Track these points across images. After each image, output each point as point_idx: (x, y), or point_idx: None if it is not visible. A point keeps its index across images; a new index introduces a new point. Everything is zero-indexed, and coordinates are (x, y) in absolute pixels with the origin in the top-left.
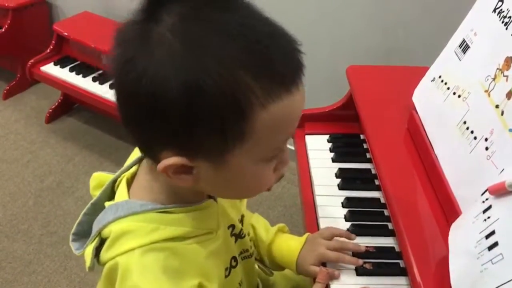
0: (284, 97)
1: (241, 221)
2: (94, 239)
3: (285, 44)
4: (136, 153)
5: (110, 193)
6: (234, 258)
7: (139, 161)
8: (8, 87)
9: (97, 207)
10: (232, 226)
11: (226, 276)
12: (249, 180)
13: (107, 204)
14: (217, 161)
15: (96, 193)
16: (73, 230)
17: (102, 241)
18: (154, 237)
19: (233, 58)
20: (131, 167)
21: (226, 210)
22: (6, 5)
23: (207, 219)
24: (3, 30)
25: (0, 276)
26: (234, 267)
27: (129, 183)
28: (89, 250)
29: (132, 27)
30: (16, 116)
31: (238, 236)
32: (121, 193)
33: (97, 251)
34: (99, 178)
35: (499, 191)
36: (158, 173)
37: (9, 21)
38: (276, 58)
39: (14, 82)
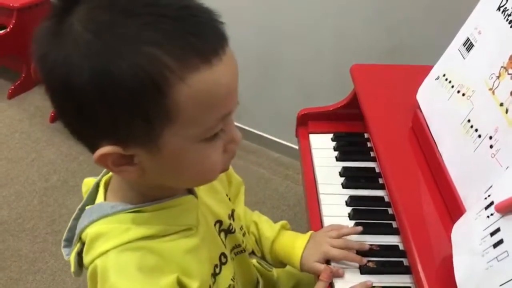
0: (203, 69)
1: (232, 216)
2: (76, 244)
3: (200, 15)
4: None
5: (94, 197)
6: (223, 254)
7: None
8: (13, 87)
9: (83, 212)
10: (219, 222)
11: (217, 274)
12: (194, 163)
13: (87, 208)
14: (152, 147)
15: None
16: (64, 236)
17: (83, 246)
18: (127, 237)
19: (141, 37)
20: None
21: (210, 205)
22: (11, 5)
23: (183, 215)
24: (8, 30)
25: (5, 275)
26: (224, 263)
27: (107, 186)
28: (72, 255)
29: (46, 23)
30: (21, 115)
31: (228, 231)
32: (99, 196)
33: (80, 255)
34: (89, 184)
35: (507, 208)
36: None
37: (13, 21)
38: (188, 30)
39: (18, 82)
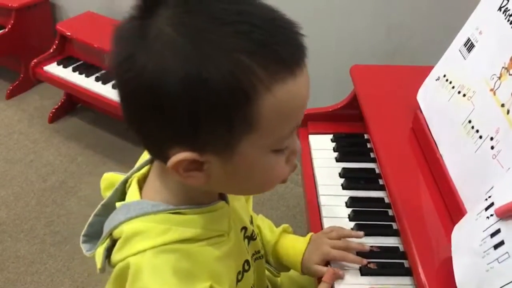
0: (288, 80)
1: (251, 222)
2: (105, 239)
3: (285, 27)
4: (146, 154)
5: (121, 194)
6: (247, 261)
7: (150, 162)
8: (11, 87)
9: (108, 208)
10: (245, 228)
11: (239, 281)
12: (261, 173)
13: (118, 204)
14: (227, 153)
15: (107, 194)
16: (83, 232)
17: (113, 242)
18: (166, 238)
19: (232, 44)
20: (142, 167)
21: (238, 212)
22: (10, 5)
23: (218, 221)
24: (6, 30)
25: (3, 276)
26: (247, 270)
27: (140, 184)
28: (100, 251)
29: (129, 24)
30: (20, 115)
31: (251, 238)
32: (132, 193)
33: (108, 252)
34: (110, 179)
35: (507, 213)
36: (169, 172)
37: (12, 21)
38: (276, 41)
39: (17, 82)
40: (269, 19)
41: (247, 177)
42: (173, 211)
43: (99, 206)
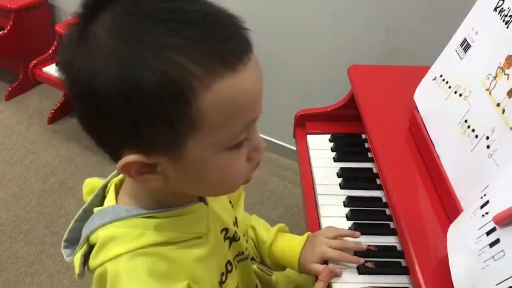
0: (227, 76)
1: (235, 223)
2: (83, 245)
3: (223, 21)
4: None
5: (101, 199)
6: (229, 262)
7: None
8: (10, 88)
9: (88, 213)
10: (225, 230)
11: (223, 282)
12: (218, 171)
13: (95, 210)
14: (175, 154)
15: (88, 199)
16: (64, 237)
17: (90, 248)
18: (140, 242)
19: (166, 44)
20: (120, 173)
21: (218, 213)
22: (8, 6)
23: (195, 223)
24: (5, 31)
25: (3, 277)
26: (230, 271)
27: (117, 188)
28: (77, 257)
29: (71, 30)
30: (19, 117)
31: (232, 239)
32: (109, 198)
33: (86, 257)
34: (92, 184)
35: (505, 219)
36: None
37: (11, 23)
38: (212, 36)
39: (16, 83)
40: (204, 14)
41: (204, 176)
42: (147, 215)
43: (80, 211)
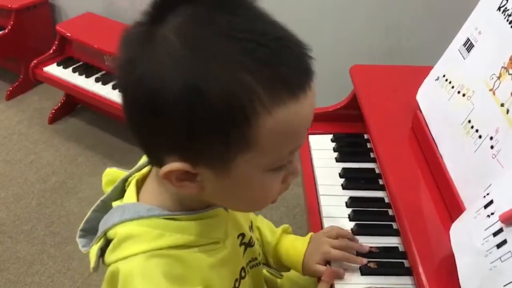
0: (290, 103)
1: (251, 228)
2: (100, 239)
3: (292, 48)
4: None
5: (120, 192)
6: (243, 268)
7: (151, 163)
8: (11, 88)
9: (107, 205)
10: (242, 235)
11: None
12: (254, 191)
13: (114, 204)
14: (220, 169)
15: (107, 189)
16: (81, 226)
17: (107, 242)
18: (159, 243)
19: (236, 61)
20: (142, 168)
21: (237, 218)
22: (9, 6)
23: (214, 228)
24: (6, 31)
25: (4, 277)
26: (243, 277)
27: (139, 184)
28: (94, 250)
29: (137, 29)
30: (19, 116)
31: (248, 245)
32: (130, 194)
33: (102, 251)
34: (112, 174)
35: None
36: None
37: (12, 22)
38: (281, 62)
39: (17, 83)
40: (276, 38)
41: (241, 194)
42: (168, 216)
43: (98, 201)
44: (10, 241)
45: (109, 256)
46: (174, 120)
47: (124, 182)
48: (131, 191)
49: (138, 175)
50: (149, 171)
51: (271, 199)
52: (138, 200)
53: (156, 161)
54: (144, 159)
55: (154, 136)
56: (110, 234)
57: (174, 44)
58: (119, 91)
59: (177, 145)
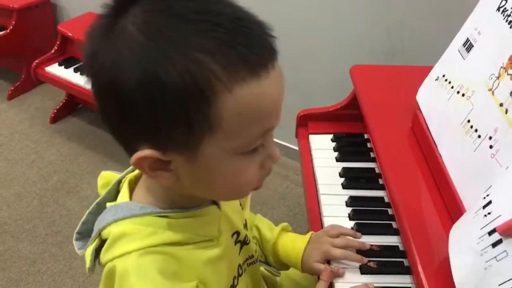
0: (251, 81)
1: (245, 226)
2: (94, 240)
3: (252, 27)
4: None
5: (115, 193)
6: (240, 266)
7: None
8: (13, 88)
9: (102, 207)
10: (237, 233)
11: (234, 286)
12: (228, 176)
13: (108, 204)
14: (190, 154)
15: (102, 192)
16: (77, 229)
17: (102, 242)
18: (152, 240)
19: (193, 43)
20: (135, 169)
21: (230, 216)
22: (11, 6)
23: (207, 225)
24: (7, 31)
25: (5, 276)
26: (241, 275)
27: (131, 185)
28: (89, 251)
29: (99, 22)
30: (21, 116)
31: (243, 243)
32: (123, 194)
33: (97, 252)
34: (107, 177)
35: (509, 230)
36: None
37: (13, 22)
38: (238, 40)
39: (18, 83)
40: (234, 18)
41: (215, 179)
42: (160, 214)
43: (93, 204)
44: (12, 240)
45: (104, 255)
46: (136, 107)
47: (118, 183)
48: (124, 191)
49: (131, 175)
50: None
51: (251, 185)
52: (131, 199)
53: (129, 151)
54: None
55: (122, 125)
56: (104, 233)
57: (132, 33)
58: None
59: (144, 132)
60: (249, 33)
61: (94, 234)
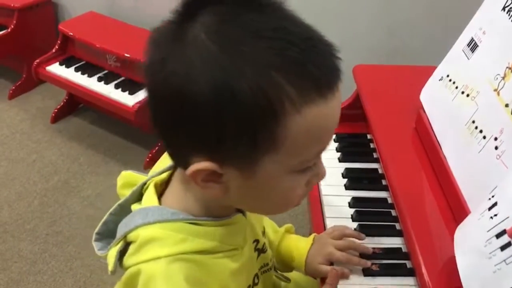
0: (319, 102)
1: (263, 233)
2: (119, 242)
3: (321, 48)
4: (166, 158)
5: (137, 195)
6: (256, 275)
7: (171, 168)
8: (14, 87)
9: (124, 208)
10: (257, 241)
11: None
12: (279, 193)
13: (134, 207)
14: (247, 169)
15: (122, 192)
16: (97, 230)
17: (126, 245)
18: (182, 247)
19: (266, 60)
20: (163, 172)
21: (253, 224)
22: (12, 5)
23: (234, 234)
24: (9, 30)
25: (6, 276)
26: (256, 284)
27: (157, 188)
28: (112, 253)
29: (167, 28)
30: (22, 116)
31: (261, 251)
32: (149, 198)
33: (121, 254)
34: (127, 178)
35: None
36: (189, 181)
37: (15, 21)
38: (311, 62)
39: (20, 82)
40: (305, 38)
41: (266, 195)
42: (192, 221)
43: (115, 205)
44: (12, 240)
45: (130, 259)
46: (202, 119)
47: (143, 186)
48: (150, 194)
49: (156, 179)
50: (169, 176)
51: (294, 202)
52: (160, 204)
53: (182, 162)
54: (162, 163)
55: (180, 136)
56: (131, 236)
57: (204, 43)
58: (146, 91)
59: (205, 144)
60: (319, 54)
61: (119, 235)
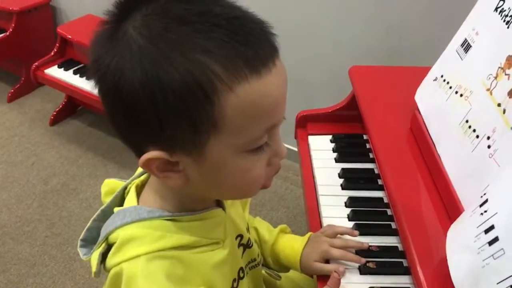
0: (252, 79)
1: (248, 229)
2: (101, 244)
3: (251, 26)
4: None
5: (120, 200)
6: (241, 269)
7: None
8: (12, 90)
9: (107, 214)
10: (240, 236)
11: None
12: (236, 174)
13: (115, 209)
14: (197, 154)
15: (106, 200)
16: (81, 236)
17: (109, 247)
18: (161, 244)
19: (192, 44)
20: (142, 174)
21: (234, 219)
22: (11, 8)
23: (214, 228)
24: (7, 33)
25: (5, 278)
26: (242, 278)
27: (138, 190)
28: (95, 255)
29: (104, 28)
30: (21, 118)
31: (246, 246)
32: (130, 199)
33: (104, 256)
34: (110, 185)
35: None
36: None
37: (13, 25)
38: (238, 40)
39: (18, 85)
40: (231, 17)
41: (224, 178)
42: (169, 218)
43: (98, 211)
44: (11, 242)
45: (111, 259)
46: (140, 111)
47: (124, 190)
48: (131, 196)
49: (137, 181)
50: (148, 177)
51: (259, 183)
52: (138, 203)
53: (138, 153)
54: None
55: (128, 128)
56: (112, 238)
57: (133, 37)
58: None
59: (150, 135)
60: (247, 32)
61: (101, 238)
